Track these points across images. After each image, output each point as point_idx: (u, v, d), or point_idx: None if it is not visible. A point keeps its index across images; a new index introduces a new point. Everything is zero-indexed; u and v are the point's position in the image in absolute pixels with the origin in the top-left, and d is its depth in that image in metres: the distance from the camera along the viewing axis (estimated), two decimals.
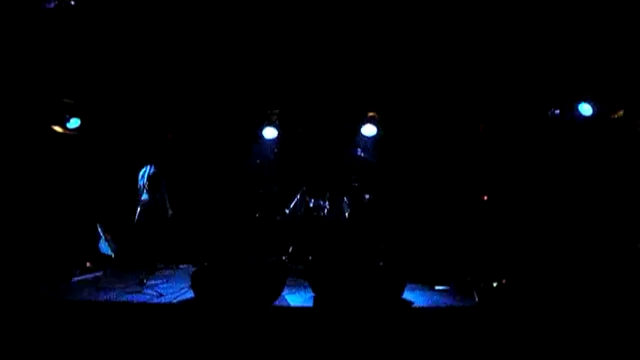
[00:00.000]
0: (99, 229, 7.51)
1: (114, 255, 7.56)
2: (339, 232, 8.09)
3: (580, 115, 7.28)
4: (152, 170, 7.48)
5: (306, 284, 5.68)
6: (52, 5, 6.33)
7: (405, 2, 6.66)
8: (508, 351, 4.80)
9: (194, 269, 5.64)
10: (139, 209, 6.64)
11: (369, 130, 8.48)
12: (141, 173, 7.56)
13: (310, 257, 5.80)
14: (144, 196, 7.35)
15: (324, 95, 8.34)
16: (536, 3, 6.44)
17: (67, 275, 6.74)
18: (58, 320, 5.15)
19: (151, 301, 5.50)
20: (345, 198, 8.38)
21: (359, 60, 7.64)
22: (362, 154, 8.61)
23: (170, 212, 7.70)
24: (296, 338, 4.94)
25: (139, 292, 5.90)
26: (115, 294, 5.81)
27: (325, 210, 8.26)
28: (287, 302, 5.49)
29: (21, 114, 7.46)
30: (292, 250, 7.15)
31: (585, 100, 7.24)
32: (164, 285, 6.27)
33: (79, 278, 6.75)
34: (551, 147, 7.65)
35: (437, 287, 6.09)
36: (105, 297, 5.66)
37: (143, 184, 7.44)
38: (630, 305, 5.11)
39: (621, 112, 7.05)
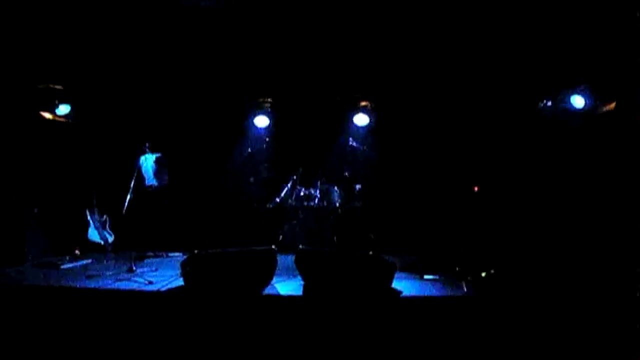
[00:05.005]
0: (88, 216, 7.47)
1: (111, 245, 7.55)
2: (329, 221, 8.11)
3: (572, 107, 7.30)
4: (155, 156, 7.65)
5: (296, 272, 5.69)
6: None
7: None
8: (496, 341, 4.84)
9: (183, 257, 5.63)
10: (129, 196, 6.61)
11: (361, 119, 8.48)
12: (141, 160, 7.57)
13: (300, 246, 5.78)
14: (153, 182, 7.57)
15: (317, 85, 8.30)
16: None
17: (56, 263, 6.72)
18: (46, 307, 5.13)
19: (140, 289, 5.48)
20: (336, 187, 8.39)
21: (351, 51, 7.61)
22: (354, 144, 8.61)
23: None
24: (285, 326, 4.95)
25: (128, 279, 5.88)
26: (104, 281, 5.79)
27: (316, 200, 8.27)
28: (277, 291, 5.50)
29: (8, 100, 7.35)
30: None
31: (577, 93, 7.25)
32: (154, 273, 6.25)
33: (68, 265, 6.73)
34: (542, 138, 7.67)
35: (426, 277, 6.11)
36: (94, 284, 5.64)
37: (152, 170, 7.60)
38: (619, 297, 5.15)
39: (612, 105, 7.06)
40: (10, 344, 4.86)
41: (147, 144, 7.55)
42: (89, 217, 7.51)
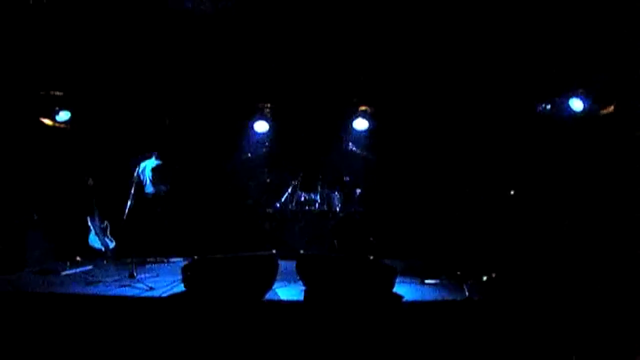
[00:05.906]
0: (89, 223, 7.47)
1: (112, 251, 7.55)
2: (330, 226, 8.11)
3: (571, 110, 7.32)
4: (155, 162, 7.67)
5: (297, 277, 5.69)
6: None
7: None
8: (498, 345, 4.84)
9: (184, 263, 5.63)
10: (129, 202, 6.61)
11: (360, 124, 8.48)
12: (141, 166, 7.58)
13: (301, 251, 5.79)
14: (150, 189, 7.60)
15: (316, 89, 8.32)
16: None
17: (57, 269, 6.71)
18: (47, 314, 5.13)
19: (141, 295, 5.47)
20: (336, 192, 8.40)
21: (350, 55, 7.63)
22: (354, 148, 8.62)
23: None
24: (287, 332, 4.95)
25: (129, 285, 5.88)
26: (105, 287, 5.78)
27: (317, 204, 8.28)
28: (278, 296, 5.49)
29: (9, 106, 7.36)
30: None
31: (576, 96, 7.27)
32: (155, 279, 6.24)
33: (69, 272, 6.71)
34: (541, 142, 7.69)
35: (427, 281, 6.11)
36: (95, 290, 5.63)
37: (148, 177, 7.63)
38: (621, 300, 5.15)
39: (611, 108, 7.08)
40: (11, 350, 4.85)
41: (155, 153, 7.63)
42: (89, 223, 7.51)
